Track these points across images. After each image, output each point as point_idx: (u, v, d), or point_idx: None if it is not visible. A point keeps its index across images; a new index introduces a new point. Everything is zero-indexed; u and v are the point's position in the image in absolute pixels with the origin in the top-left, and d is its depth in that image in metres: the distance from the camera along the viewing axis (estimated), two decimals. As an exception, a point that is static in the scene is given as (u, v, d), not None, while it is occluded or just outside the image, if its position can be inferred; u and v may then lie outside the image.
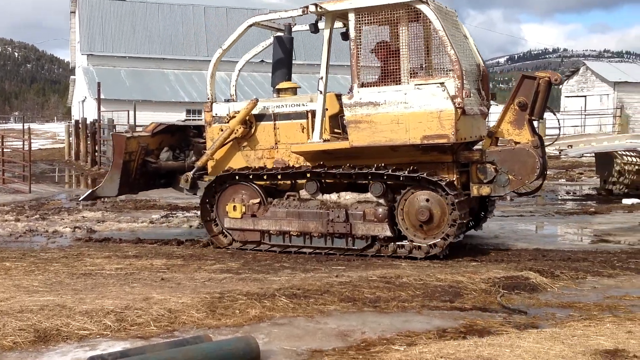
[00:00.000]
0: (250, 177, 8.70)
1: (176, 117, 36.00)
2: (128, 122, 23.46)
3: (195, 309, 5.45)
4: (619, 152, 14.49)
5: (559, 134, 9.93)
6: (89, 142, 26.07)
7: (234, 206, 8.67)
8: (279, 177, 8.59)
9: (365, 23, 8.11)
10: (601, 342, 4.50)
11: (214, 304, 5.57)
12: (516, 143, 8.12)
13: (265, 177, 8.63)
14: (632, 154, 14.62)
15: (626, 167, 14.82)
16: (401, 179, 7.93)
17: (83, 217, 12.15)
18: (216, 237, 8.96)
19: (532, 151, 7.99)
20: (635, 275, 6.98)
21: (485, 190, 8.10)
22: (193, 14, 42.06)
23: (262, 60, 35.19)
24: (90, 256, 8.22)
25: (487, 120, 8.87)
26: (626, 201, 13.74)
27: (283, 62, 9.64)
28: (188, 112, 37.39)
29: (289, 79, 9.57)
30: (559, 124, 9.53)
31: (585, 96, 38.07)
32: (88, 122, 27.06)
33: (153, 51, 40.28)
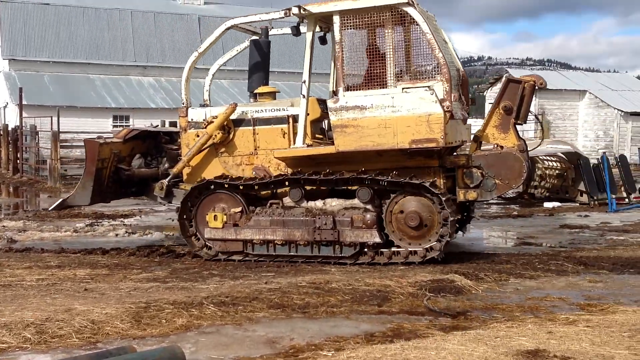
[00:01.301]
0: (241, 187, 8.34)
1: (103, 123, 35.16)
2: (52, 129, 22.73)
3: (120, 319, 5.31)
4: (540, 157, 14.98)
5: (542, 139, 9.82)
6: (10, 149, 25.15)
7: (215, 215, 8.33)
8: (272, 185, 8.29)
9: (350, 26, 7.98)
10: (523, 342, 4.63)
11: (139, 314, 5.44)
12: (502, 147, 8.09)
13: (256, 186, 8.33)
14: (552, 158, 15.13)
15: (547, 172, 15.34)
16: (383, 184, 7.79)
17: (3, 226, 11.69)
18: (199, 250, 8.56)
19: (518, 155, 7.97)
20: (556, 276, 7.21)
21: (472, 194, 8.05)
22: (119, 18, 41.21)
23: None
24: (10, 267, 7.91)
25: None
26: (547, 204, 14.22)
27: (260, 66, 9.38)
28: (115, 118, 36.59)
29: (267, 84, 9.34)
30: (542, 129, 9.59)
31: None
32: (10, 128, 26.12)
33: (78, 56, 39.23)
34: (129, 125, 35.46)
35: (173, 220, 13.32)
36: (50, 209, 10.12)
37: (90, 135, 28.52)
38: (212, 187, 8.46)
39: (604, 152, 16.90)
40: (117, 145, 9.32)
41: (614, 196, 13.72)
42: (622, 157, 15.02)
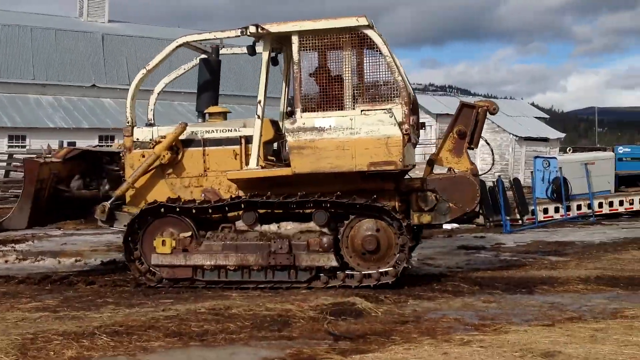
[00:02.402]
0: (193, 211, 8.02)
1: (-4, 143, 33.58)
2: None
3: (5, 352, 5.02)
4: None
5: (493, 163, 9.79)
6: None
7: (163, 241, 7.96)
8: (227, 208, 8.00)
9: (308, 46, 7.88)
10: (418, 364, 4.68)
11: (25, 346, 5.17)
12: (455, 171, 8.12)
13: (210, 209, 8.01)
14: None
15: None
16: (340, 207, 7.69)
17: None
18: (143, 276, 8.12)
19: (472, 179, 8.01)
20: (453, 297, 7.37)
21: (426, 218, 8.01)
22: (18, 34, 39.67)
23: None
24: None
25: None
26: (446, 226, 14.60)
27: (210, 85, 9.10)
28: (10, 137, 35.05)
29: (216, 104, 9.04)
30: (493, 154, 9.52)
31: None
32: None
33: (-29, 72, 37.47)
34: (25, 146, 34.02)
35: (66, 244, 12.84)
36: None
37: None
38: (162, 210, 8.07)
39: (499, 176, 17.59)
40: (56, 165, 8.76)
41: (508, 218, 14.25)
42: (516, 180, 15.65)
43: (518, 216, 15.02)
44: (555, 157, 17.90)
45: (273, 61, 8.71)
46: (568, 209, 16.07)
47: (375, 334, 5.81)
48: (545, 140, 35.07)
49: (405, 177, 8.38)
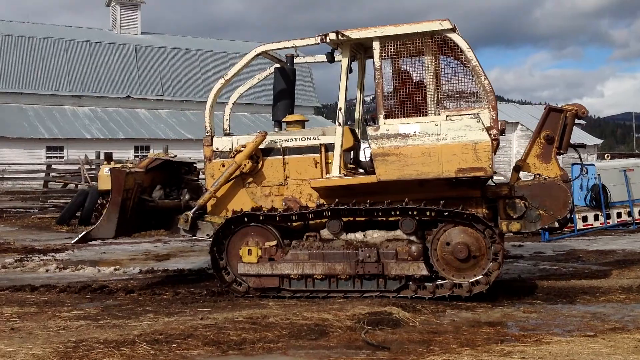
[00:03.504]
0: (278, 219, 7.96)
1: (36, 154, 34.27)
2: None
3: (47, 360, 5.09)
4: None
5: (581, 169, 9.36)
6: None
7: (249, 250, 7.93)
8: (313, 215, 7.85)
9: (390, 52, 7.78)
10: (459, 375, 4.63)
11: (67, 354, 5.23)
12: (545, 177, 7.91)
13: (296, 217, 7.93)
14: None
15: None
16: (430, 214, 7.53)
17: None
18: (229, 285, 8.10)
19: (563, 185, 7.80)
20: (492, 307, 7.27)
21: (515, 226, 7.81)
22: (54, 47, 40.50)
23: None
24: None
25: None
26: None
27: (286, 94, 9.07)
28: (48, 149, 35.73)
29: (292, 112, 9.03)
30: (581, 160, 9.13)
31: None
32: None
33: (10, 85, 38.30)
34: (63, 157, 34.64)
35: (105, 253, 13.02)
36: (72, 242, 9.42)
37: (22, 167, 27.73)
38: (260, 218, 8.03)
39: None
40: (140, 175, 8.81)
41: (546, 226, 14.01)
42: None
43: (556, 224, 14.78)
44: (593, 164, 17.60)
45: (330, 57, 8.63)
46: (608, 216, 15.78)
47: (413, 344, 5.77)
48: (582, 146, 34.54)
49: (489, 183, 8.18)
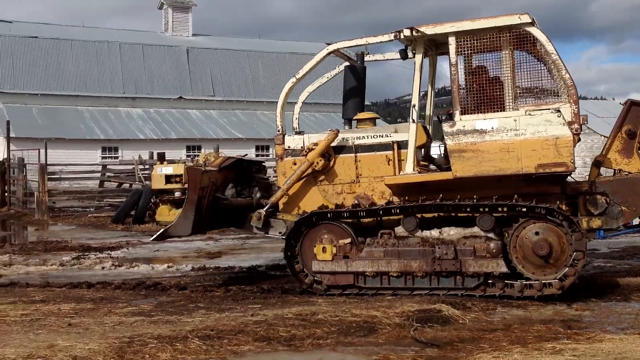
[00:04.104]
0: (346, 215, 7.98)
1: (91, 155, 35.11)
2: (39, 161, 22.67)
3: (103, 355, 5.25)
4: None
5: None
6: (-2, 183, 25.05)
7: (323, 247, 7.90)
8: (387, 212, 7.85)
9: (466, 47, 7.72)
10: (509, 372, 4.60)
11: (122, 349, 5.38)
12: (627, 173, 7.77)
13: (381, 212, 7.90)
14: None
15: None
16: (507, 211, 7.42)
17: (-12, 261, 11.59)
18: (306, 284, 8.11)
19: None
20: (544, 305, 7.17)
21: (596, 222, 7.69)
22: (108, 50, 41.40)
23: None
24: (-7, 302, 7.82)
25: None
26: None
27: (356, 92, 9.10)
28: (104, 149, 36.56)
29: (362, 110, 9.09)
30: None
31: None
32: (-3, 161, 26.05)
33: (66, 88, 39.29)
34: (118, 157, 35.42)
35: (158, 251, 13.29)
36: (151, 239, 9.70)
37: (79, 168, 28.46)
38: (321, 217, 8.07)
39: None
40: (214, 174, 8.99)
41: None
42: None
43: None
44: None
45: (403, 54, 8.68)
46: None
47: (462, 341, 5.74)
48: None
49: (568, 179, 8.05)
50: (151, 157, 27.76)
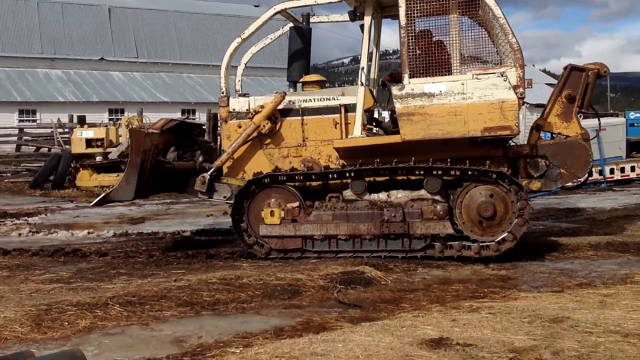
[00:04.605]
0: (297, 178, 7.90)
1: (8, 118, 33.73)
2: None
3: (19, 323, 5.10)
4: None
5: (599, 130, 9.21)
6: None
7: (271, 211, 7.88)
8: (336, 176, 7.85)
9: (416, 10, 7.65)
10: (428, 331, 4.72)
11: (40, 317, 5.24)
12: (566, 136, 7.90)
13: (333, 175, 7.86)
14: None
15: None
16: (455, 173, 7.48)
17: None
18: (251, 247, 8.07)
19: (584, 144, 7.81)
20: (462, 265, 7.38)
21: (535, 185, 7.85)
22: (25, 8, 39.57)
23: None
24: None
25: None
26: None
27: (302, 54, 8.91)
28: (21, 112, 35.20)
29: (308, 73, 8.91)
30: (599, 119, 8.98)
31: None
32: None
33: (-20, 48, 37.49)
34: (36, 120, 34.16)
35: (79, 217, 12.96)
36: (91, 204, 9.33)
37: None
38: (267, 180, 7.98)
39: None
40: (156, 136, 8.64)
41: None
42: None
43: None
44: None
45: (352, 15, 8.59)
46: (579, 175, 15.98)
47: (384, 302, 5.86)
48: None
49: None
50: (71, 120, 26.92)
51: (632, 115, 19.04)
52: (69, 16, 40.60)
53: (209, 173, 8.44)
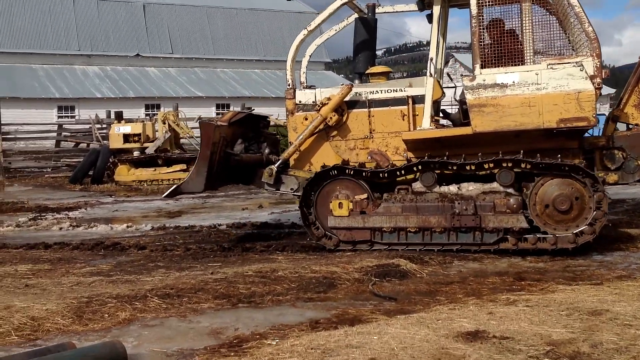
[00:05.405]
0: (365, 174, 7.86)
1: (47, 114, 34.39)
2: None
3: (61, 315, 5.21)
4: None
5: None
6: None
7: (340, 203, 7.83)
8: (404, 171, 7.76)
9: None
10: (464, 324, 4.71)
11: (81, 309, 5.35)
12: None
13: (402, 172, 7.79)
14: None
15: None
16: (527, 166, 7.31)
17: (-59, 223, 11.35)
18: (320, 240, 8.09)
19: None
20: (499, 257, 7.31)
21: (612, 177, 7.61)
22: (62, 6, 40.25)
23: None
24: (-53, 265, 7.68)
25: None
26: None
27: (367, 45, 8.89)
28: (60, 108, 35.84)
29: (374, 64, 8.90)
30: None
31: (455, 86, 39.74)
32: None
33: (19, 46, 38.22)
34: (74, 116, 34.75)
35: (117, 211, 13.18)
36: (163, 196, 9.38)
37: (34, 127, 27.85)
38: (341, 172, 7.97)
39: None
40: (224, 129, 8.66)
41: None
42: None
43: None
44: (604, 114, 17.44)
45: (421, 6, 8.54)
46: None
47: (420, 294, 5.85)
48: None
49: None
50: (108, 116, 27.32)
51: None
52: (105, 13, 41.18)
53: (276, 165, 8.46)
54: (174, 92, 38.52)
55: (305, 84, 8.82)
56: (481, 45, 7.55)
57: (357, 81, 8.90)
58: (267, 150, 9.08)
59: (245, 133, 9.20)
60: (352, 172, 7.95)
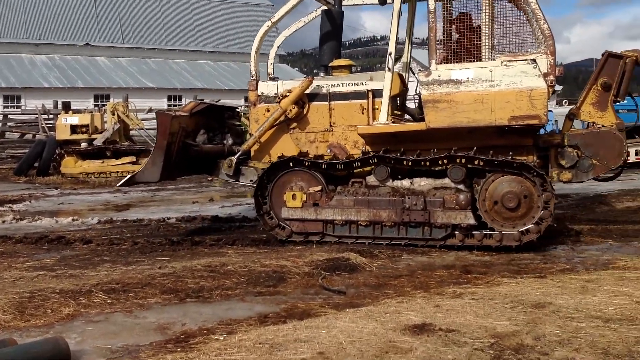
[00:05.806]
0: (323, 165, 7.88)
1: (-9, 104, 33.41)
2: None
3: (2, 310, 5.08)
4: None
5: (638, 119, 8.91)
6: None
7: (294, 194, 7.89)
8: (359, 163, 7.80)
9: None
10: (411, 317, 4.75)
11: (23, 304, 5.22)
12: (600, 126, 7.66)
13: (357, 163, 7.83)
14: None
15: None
16: (479, 163, 7.33)
17: None
18: (272, 229, 8.12)
19: (618, 134, 7.56)
20: (446, 251, 7.41)
21: (566, 176, 7.66)
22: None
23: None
24: None
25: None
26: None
27: (333, 37, 8.80)
28: (5, 98, 34.90)
29: (339, 57, 8.81)
30: (638, 108, 8.41)
31: (417, 81, 40.24)
32: None
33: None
34: (20, 106, 33.86)
35: (63, 204, 12.90)
36: (117, 185, 9.29)
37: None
38: (292, 164, 7.98)
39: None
40: (185, 119, 8.61)
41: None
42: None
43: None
44: (551, 110, 17.84)
45: (381, 0, 8.48)
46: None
47: (369, 288, 5.88)
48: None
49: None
50: (56, 106, 26.72)
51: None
52: (54, 1, 40.18)
53: (235, 156, 8.47)
54: (124, 82, 37.87)
55: (272, 75, 8.81)
56: (438, 40, 7.58)
57: (322, 73, 8.89)
58: (230, 141, 9.06)
59: (209, 123, 9.16)
60: (308, 164, 7.97)
